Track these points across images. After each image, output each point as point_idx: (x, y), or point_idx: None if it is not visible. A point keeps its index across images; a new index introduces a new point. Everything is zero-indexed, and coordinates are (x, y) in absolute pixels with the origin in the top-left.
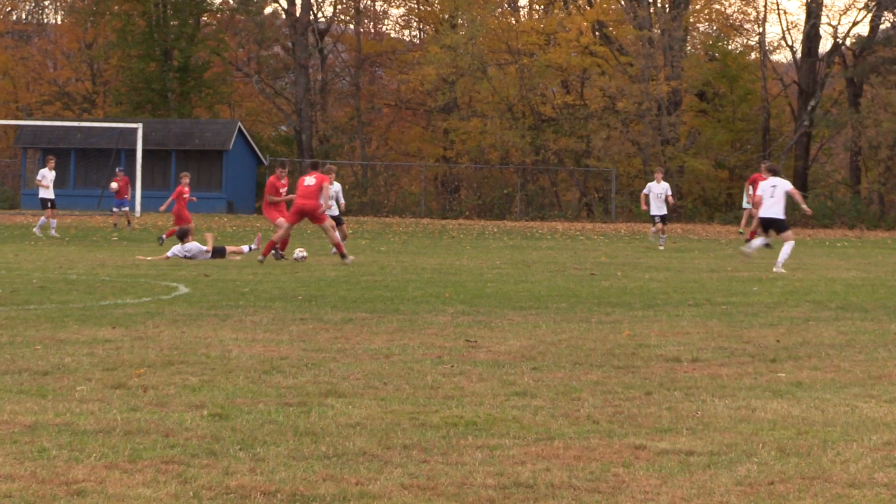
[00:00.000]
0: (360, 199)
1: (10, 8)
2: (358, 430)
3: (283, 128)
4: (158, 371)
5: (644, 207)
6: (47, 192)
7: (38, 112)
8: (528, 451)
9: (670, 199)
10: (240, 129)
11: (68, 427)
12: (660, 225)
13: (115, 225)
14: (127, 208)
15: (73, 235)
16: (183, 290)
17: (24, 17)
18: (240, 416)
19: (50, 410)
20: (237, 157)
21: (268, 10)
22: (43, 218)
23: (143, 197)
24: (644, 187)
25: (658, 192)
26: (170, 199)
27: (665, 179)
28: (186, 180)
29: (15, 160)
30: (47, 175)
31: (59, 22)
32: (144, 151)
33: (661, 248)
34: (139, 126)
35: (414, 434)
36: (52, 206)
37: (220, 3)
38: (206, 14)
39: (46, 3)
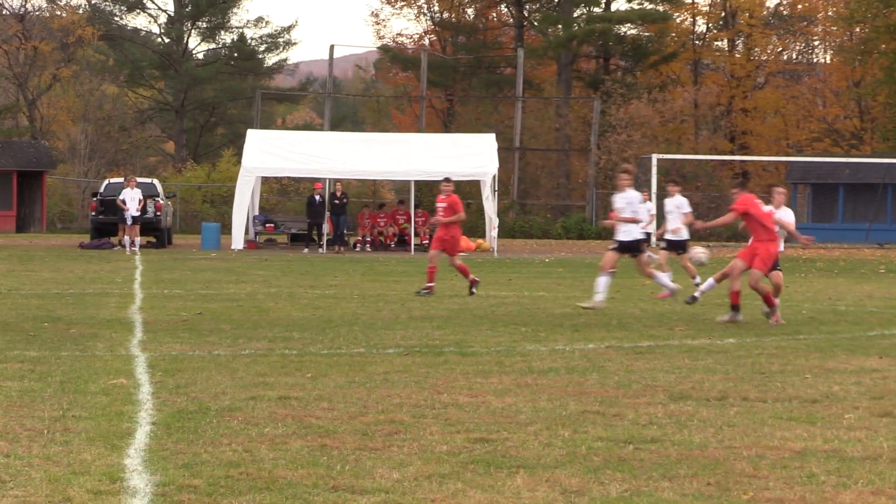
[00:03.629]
0: None
1: (781, 48)
2: None
3: None
4: None
5: None
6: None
7: (807, 148)
8: None
9: None
10: None
11: (836, 454)
12: None
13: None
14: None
15: (841, 268)
16: None
17: (794, 56)
18: None
19: (818, 437)
20: None
21: None
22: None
23: None
24: None
25: None
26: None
27: None
28: None
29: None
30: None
31: (828, 61)
32: None
33: None
34: None
35: None
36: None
37: None
38: None
39: (816, 42)
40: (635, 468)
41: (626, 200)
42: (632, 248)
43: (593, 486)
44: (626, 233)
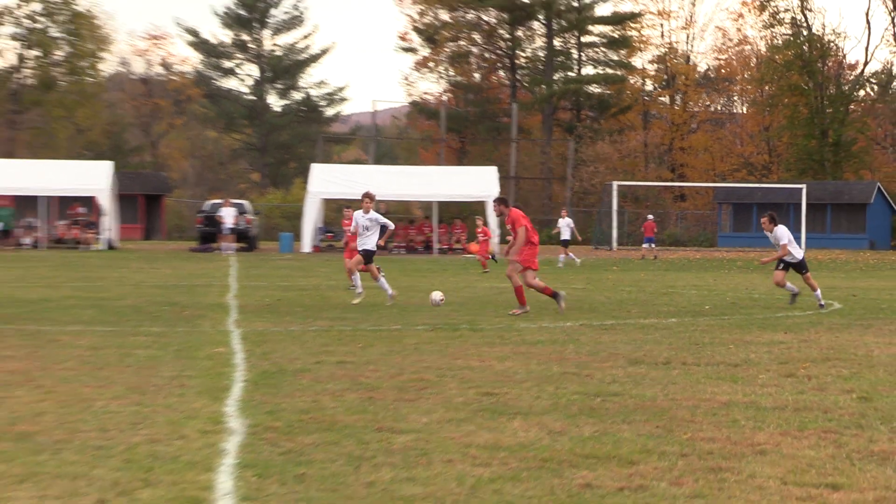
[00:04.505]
0: None
1: (709, 102)
2: None
3: None
4: (819, 365)
5: None
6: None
7: (729, 177)
8: None
9: None
10: (878, 188)
11: (753, 404)
12: None
13: (643, 257)
14: (651, 245)
15: (755, 266)
16: (836, 305)
17: (719, 108)
18: (881, 399)
19: (739, 392)
20: (876, 208)
21: None
22: (568, 255)
23: (806, 238)
24: None
25: None
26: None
27: None
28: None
29: (713, 212)
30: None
31: (745, 111)
32: (807, 205)
33: None
34: (803, 187)
35: None
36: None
37: (863, 96)
38: (853, 104)
39: (735, 97)
40: (602, 415)
41: (370, 219)
42: (365, 257)
43: (571, 427)
44: (364, 245)
